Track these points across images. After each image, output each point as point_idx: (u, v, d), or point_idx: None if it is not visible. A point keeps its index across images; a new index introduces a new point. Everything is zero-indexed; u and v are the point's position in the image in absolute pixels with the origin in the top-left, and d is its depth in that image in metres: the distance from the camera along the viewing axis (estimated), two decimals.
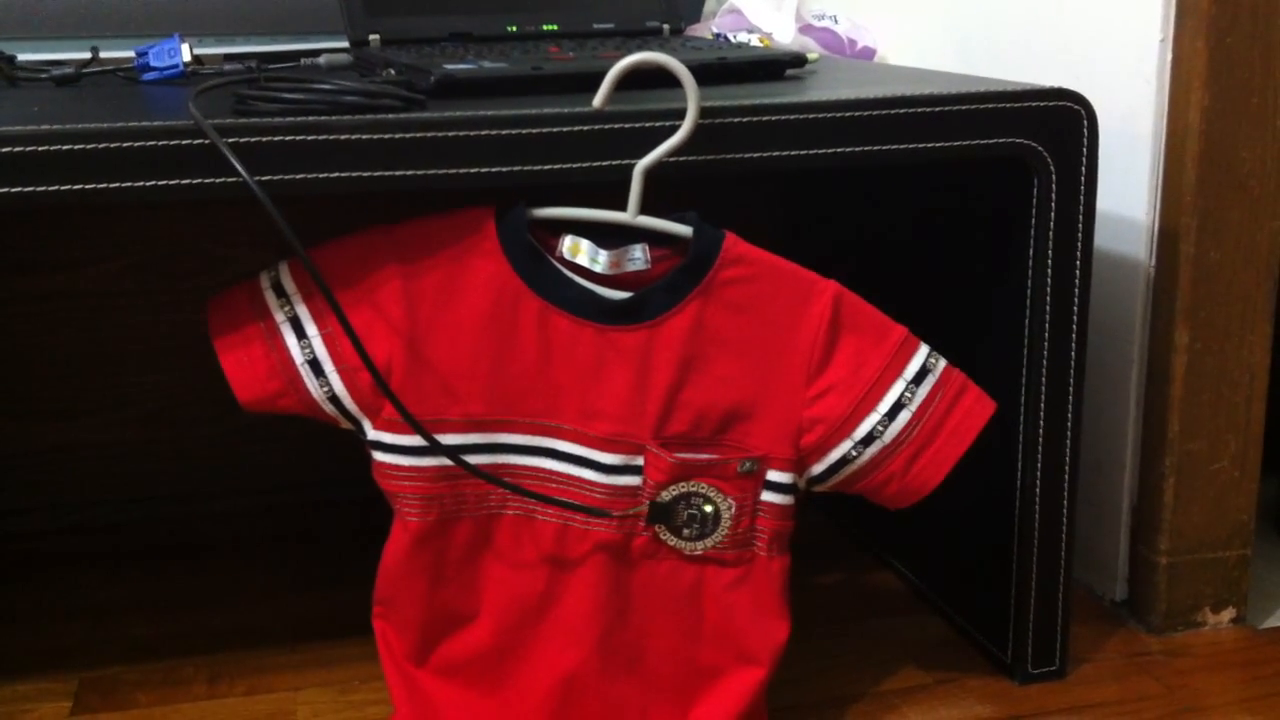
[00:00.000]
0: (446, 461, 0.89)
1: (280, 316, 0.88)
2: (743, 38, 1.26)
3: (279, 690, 1.04)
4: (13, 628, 1.14)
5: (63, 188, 0.78)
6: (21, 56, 1.08)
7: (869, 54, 1.36)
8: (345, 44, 1.10)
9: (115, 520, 1.34)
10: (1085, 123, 0.94)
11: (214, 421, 1.33)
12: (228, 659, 1.08)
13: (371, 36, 1.08)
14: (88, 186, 0.78)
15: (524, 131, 0.85)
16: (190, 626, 1.14)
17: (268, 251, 1.25)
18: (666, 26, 1.18)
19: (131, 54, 1.05)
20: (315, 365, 0.88)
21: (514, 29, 1.13)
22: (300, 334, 0.88)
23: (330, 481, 1.32)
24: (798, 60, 1.06)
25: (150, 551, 1.28)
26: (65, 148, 0.78)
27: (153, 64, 1.02)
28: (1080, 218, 0.96)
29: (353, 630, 1.08)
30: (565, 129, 0.85)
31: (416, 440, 0.88)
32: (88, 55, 1.08)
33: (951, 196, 1.08)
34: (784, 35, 1.31)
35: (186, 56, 1.02)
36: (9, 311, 1.27)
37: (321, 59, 1.08)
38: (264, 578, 1.23)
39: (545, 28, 1.13)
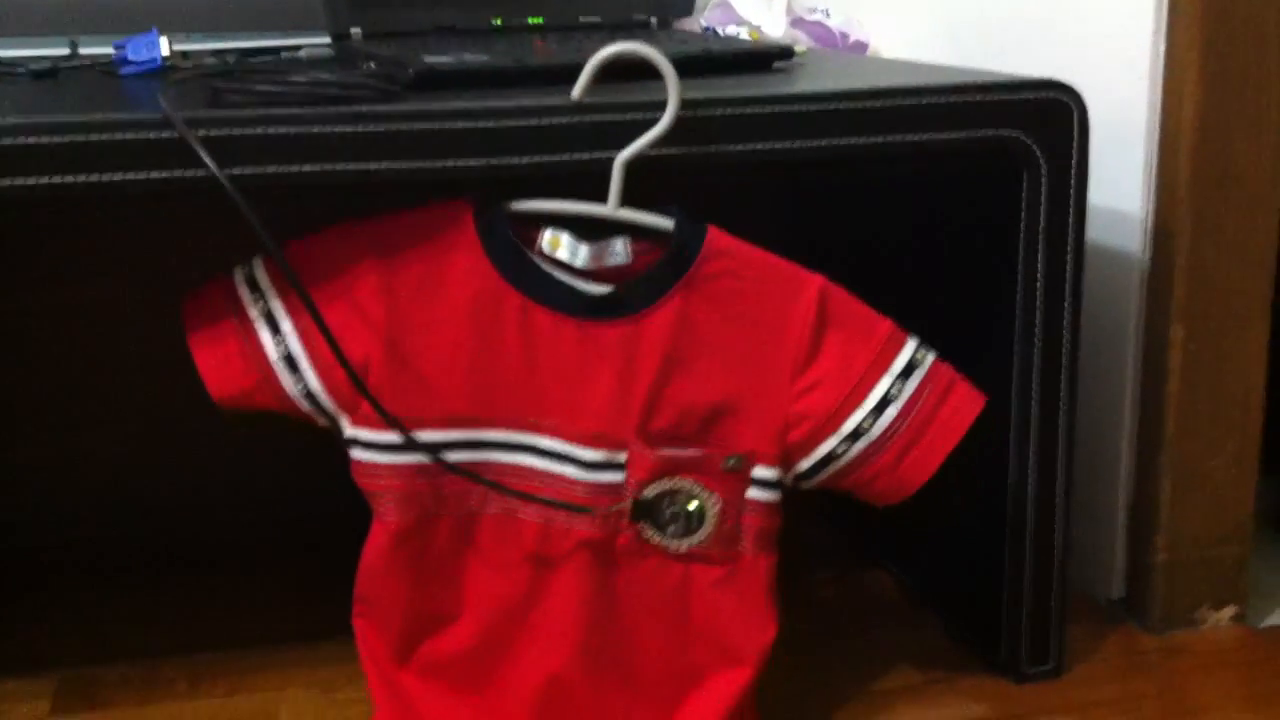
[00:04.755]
0: (425, 459, 0.87)
1: (254, 312, 0.87)
2: (732, 31, 1.25)
3: (261, 690, 1.03)
4: None
5: (30, 181, 0.77)
6: (0, 53, 1.07)
7: (861, 48, 1.35)
8: (328, 39, 1.09)
9: (106, 528, 1.32)
10: (1075, 115, 0.93)
11: (212, 434, 1.32)
12: (210, 659, 1.07)
13: (353, 30, 1.07)
14: (55, 180, 0.77)
15: (501, 124, 0.83)
16: (172, 627, 1.13)
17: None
18: (654, 20, 1.17)
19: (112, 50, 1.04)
20: (290, 361, 0.87)
21: (499, 22, 1.12)
22: (275, 329, 0.87)
23: (319, 487, 1.30)
24: (785, 53, 1.05)
25: (134, 557, 1.27)
26: (32, 140, 0.76)
27: (130, 58, 1.01)
28: (1071, 212, 0.95)
29: (336, 630, 1.06)
30: (543, 121, 0.84)
31: (395, 438, 0.87)
32: (67, 51, 1.07)
33: (942, 191, 1.06)
34: (774, 29, 1.30)
35: (165, 50, 1.01)
36: (11, 323, 1.26)
37: (302, 52, 1.07)
38: (245, 578, 1.22)
39: (530, 21, 1.12)
